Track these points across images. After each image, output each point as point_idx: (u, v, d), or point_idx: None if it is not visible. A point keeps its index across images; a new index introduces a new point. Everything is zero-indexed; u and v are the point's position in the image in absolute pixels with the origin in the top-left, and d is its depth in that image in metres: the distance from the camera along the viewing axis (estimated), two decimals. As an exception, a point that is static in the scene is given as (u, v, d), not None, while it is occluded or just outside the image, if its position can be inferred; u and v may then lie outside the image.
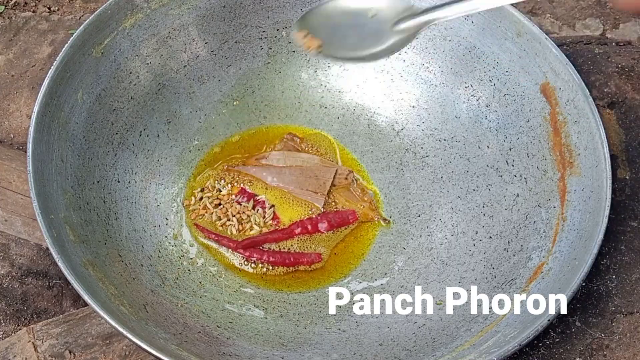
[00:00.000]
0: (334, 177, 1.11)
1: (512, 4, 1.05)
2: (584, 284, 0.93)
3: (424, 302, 0.99)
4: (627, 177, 1.07)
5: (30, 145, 0.93)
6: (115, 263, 0.97)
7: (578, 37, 1.25)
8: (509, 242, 1.00)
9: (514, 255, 0.98)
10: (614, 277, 0.99)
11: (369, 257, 1.06)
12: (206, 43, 1.14)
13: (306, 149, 1.14)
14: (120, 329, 0.82)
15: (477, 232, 1.03)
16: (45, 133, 0.96)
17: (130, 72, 1.08)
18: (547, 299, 0.88)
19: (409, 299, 1.00)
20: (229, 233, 1.06)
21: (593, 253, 0.88)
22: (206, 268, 1.03)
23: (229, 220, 1.07)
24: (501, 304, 0.93)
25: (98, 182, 1.02)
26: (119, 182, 1.05)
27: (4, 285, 1.03)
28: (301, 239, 1.06)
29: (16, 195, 1.09)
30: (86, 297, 0.83)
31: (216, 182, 1.10)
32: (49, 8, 1.35)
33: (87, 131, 1.02)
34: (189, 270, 1.02)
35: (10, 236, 1.06)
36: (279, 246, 1.05)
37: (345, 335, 0.97)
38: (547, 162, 1.02)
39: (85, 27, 1.03)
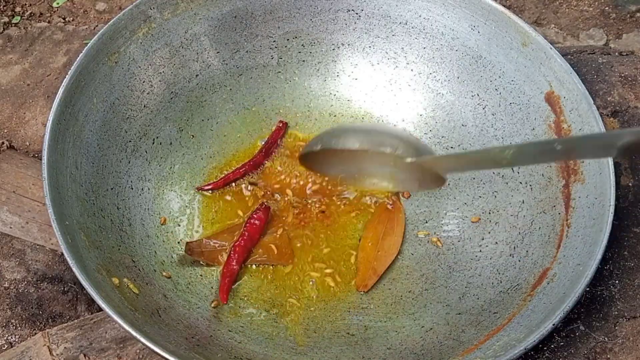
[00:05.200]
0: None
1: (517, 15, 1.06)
2: (587, 288, 0.93)
3: (431, 306, 1.00)
4: (630, 184, 1.07)
5: (45, 153, 0.94)
6: (129, 268, 0.98)
7: (582, 47, 1.25)
8: (514, 247, 1.01)
9: (519, 261, 0.99)
10: (617, 282, 1.00)
11: (377, 263, 1.06)
12: (218, 52, 1.15)
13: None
14: (134, 333, 0.82)
15: (483, 238, 1.04)
16: (60, 141, 0.97)
17: (144, 81, 1.09)
18: (552, 303, 0.89)
19: (416, 303, 1.01)
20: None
21: (597, 259, 0.89)
22: (218, 273, 1.04)
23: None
24: (507, 308, 0.94)
25: (112, 189, 1.03)
26: (132, 189, 1.06)
27: (20, 290, 1.04)
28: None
29: (32, 202, 1.10)
30: (100, 302, 0.84)
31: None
32: (64, 18, 1.36)
33: (101, 139, 1.03)
34: (200, 275, 1.03)
35: (27, 242, 1.07)
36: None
37: (354, 339, 0.98)
38: (551, 170, 1.02)
39: (99, 37, 1.04)
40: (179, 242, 1.05)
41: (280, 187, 1.11)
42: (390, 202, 1.10)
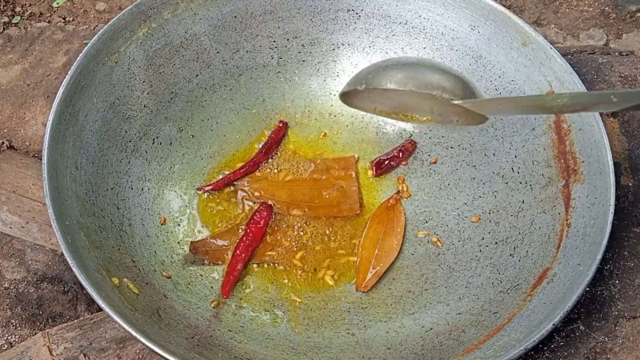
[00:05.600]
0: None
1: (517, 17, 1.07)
2: (587, 288, 0.93)
3: (431, 306, 1.00)
4: (630, 184, 1.07)
5: (45, 153, 0.94)
6: (129, 268, 0.98)
7: (582, 47, 1.25)
8: (514, 247, 1.01)
9: (519, 261, 0.99)
10: (617, 282, 1.00)
11: (377, 263, 1.07)
12: (218, 52, 1.16)
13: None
14: (134, 333, 0.83)
15: (483, 238, 1.04)
16: (60, 141, 0.97)
17: (144, 81, 1.10)
18: (552, 303, 0.89)
19: (416, 303, 1.01)
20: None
21: (597, 259, 0.89)
22: (218, 273, 1.04)
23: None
24: (507, 308, 0.95)
25: (112, 189, 1.03)
26: (132, 189, 1.06)
27: (20, 290, 1.04)
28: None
29: (32, 202, 1.10)
30: (100, 302, 0.84)
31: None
32: (64, 18, 1.36)
33: (101, 139, 1.04)
34: (200, 275, 1.03)
35: (26, 242, 1.07)
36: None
37: (354, 339, 0.98)
38: (551, 170, 1.02)
39: (99, 36, 1.04)
40: (179, 242, 1.05)
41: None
42: (391, 202, 1.10)
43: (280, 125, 1.17)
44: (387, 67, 0.92)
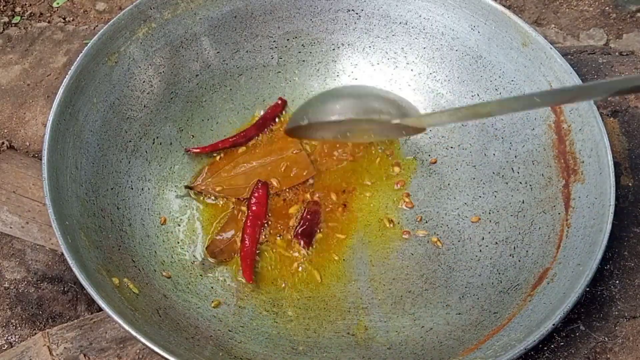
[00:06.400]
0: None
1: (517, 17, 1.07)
2: (587, 288, 0.93)
3: (431, 306, 1.00)
4: (630, 184, 1.07)
5: (45, 153, 0.94)
6: (129, 268, 0.98)
7: (582, 47, 1.25)
8: (514, 247, 1.01)
9: (519, 261, 0.99)
10: (617, 282, 1.00)
11: (377, 263, 1.06)
12: (218, 52, 1.16)
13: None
14: (134, 333, 0.83)
15: (483, 238, 1.05)
16: (60, 141, 0.97)
17: (144, 81, 1.10)
18: (552, 303, 0.89)
19: (416, 303, 1.01)
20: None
21: (597, 258, 0.89)
22: (218, 273, 1.04)
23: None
24: (507, 308, 0.95)
25: (112, 189, 1.03)
26: (132, 189, 1.06)
27: (20, 290, 1.04)
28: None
29: (32, 202, 1.10)
30: (100, 302, 0.84)
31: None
32: (64, 18, 1.36)
33: (101, 139, 1.04)
34: (200, 275, 1.03)
35: (27, 242, 1.07)
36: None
37: (354, 339, 0.98)
38: (551, 170, 1.02)
39: (99, 36, 1.04)
40: (179, 242, 1.05)
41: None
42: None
43: (279, 102, 1.17)
44: (325, 100, 0.96)
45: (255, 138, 1.15)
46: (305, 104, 0.97)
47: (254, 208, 1.07)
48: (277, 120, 1.17)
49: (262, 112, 1.18)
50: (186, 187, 1.10)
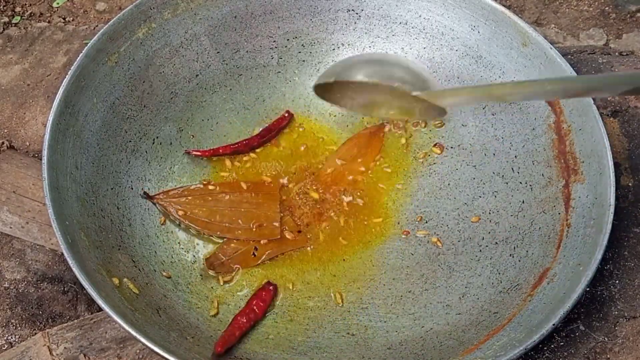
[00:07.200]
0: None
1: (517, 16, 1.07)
2: (587, 288, 0.93)
3: (431, 306, 1.00)
4: (630, 184, 1.07)
5: (45, 153, 0.94)
6: (129, 268, 0.98)
7: (582, 47, 1.25)
8: (514, 247, 1.01)
9: (519, 261, 0.99)
10: (617, 282, 1.00)
11: (377, 263, 1.06)
12: (218, 52, 1.16)
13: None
14: (134, 333, 0.83)
15: (483, 238, 1.04)
16: (60, 141, 0.97)
17: (144, 81, 1.10)
18: (552, 303, 0.89)
19: (416, 303, 1.01)
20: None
21: (597, 259, 0.89)
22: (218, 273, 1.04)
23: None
24: (507, 308, 0.95)
25: (112, 189, 1.03)
26: (132, 189, 1.06)
27: (20, 290, 1.04)
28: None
29: (32, 202, 1.10)
30: (100, 302, 0.84)
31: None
32: (64, 18, 1.36)
33: (101, 139, 1.04)
34: (200, 275, 1.03)
35: (26, 242, 1.07)
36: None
37: (354, 339, 0.98)
38: (551, 170, 1.02)
39: (99, 36, 1.04)
40: (179, 243, 1.05)
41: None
42: (373, 130, 1.14)
43: (286, 115, 1.17)
44: (354, 62, 0.95)
45: (255, 148, 1.15)
46: (335, 64, 0.97)
47: (255, 308, 1.00)
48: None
49: (263, 111, 1.18)
50: (145, 194, 1.07)
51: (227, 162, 1.13)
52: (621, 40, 1.31)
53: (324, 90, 0.96)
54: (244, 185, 1.11)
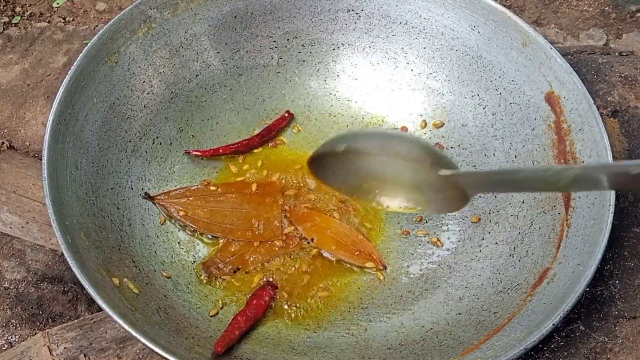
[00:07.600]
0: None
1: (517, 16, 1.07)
2: (587, 288, 0.93)
3: (431, 306, 1.00)
4: (631, 184, 1.07)
5: (45, 153, 0.94)
6: (129, 268, 0.98)
7: (582, 47, 1.25)
8: (514, 247, 1.01)
9: (519, 261, 0.99)
10: (617, 282, 1.00)
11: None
12: (218, 53, 1.16)
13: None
14: (134, 333, 0.83)
15: (483, 238, 1.04)
16: (60, 141, 0.97)
17: (144, 81, 1.10)
18: (552, 303, 0.89)
19: (416, 303, 1.01)
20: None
21: (597, 259, 0.89)
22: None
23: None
24: (507, 308, 0.95)
25: (112, 189, 1.03)
26: (132, 189, 1.06)
27: (20, 290, 1.04)
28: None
29: (32, 202, 1.10)
30: (100, 302, 0.84)
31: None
32: (64, 18, 1.36)
33: (101, 139, 1.04)
34: (200, 275, 1.03)
35: (26, 242, 1.07)
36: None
37: (354, 340, 0.98)
38: (552, 170, 1.02)
39: (99, 37, 1.04)
40: (179, 243, 1.05)
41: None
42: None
43: (286, 115, 1.17)
44: (364, 134, 0.87)
45: (255, 148, 1.15)
46: (342, 134, 0.87)
47: (254, 308, 0.99)
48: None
49: (263, 111, 1.18)
50: (146, 194, 1.08)
51: (228, 163, 1.13)
52: (621, 40, 1.31)
53: (321, 164, 0.87)
54: (253, 187, 1.11)
